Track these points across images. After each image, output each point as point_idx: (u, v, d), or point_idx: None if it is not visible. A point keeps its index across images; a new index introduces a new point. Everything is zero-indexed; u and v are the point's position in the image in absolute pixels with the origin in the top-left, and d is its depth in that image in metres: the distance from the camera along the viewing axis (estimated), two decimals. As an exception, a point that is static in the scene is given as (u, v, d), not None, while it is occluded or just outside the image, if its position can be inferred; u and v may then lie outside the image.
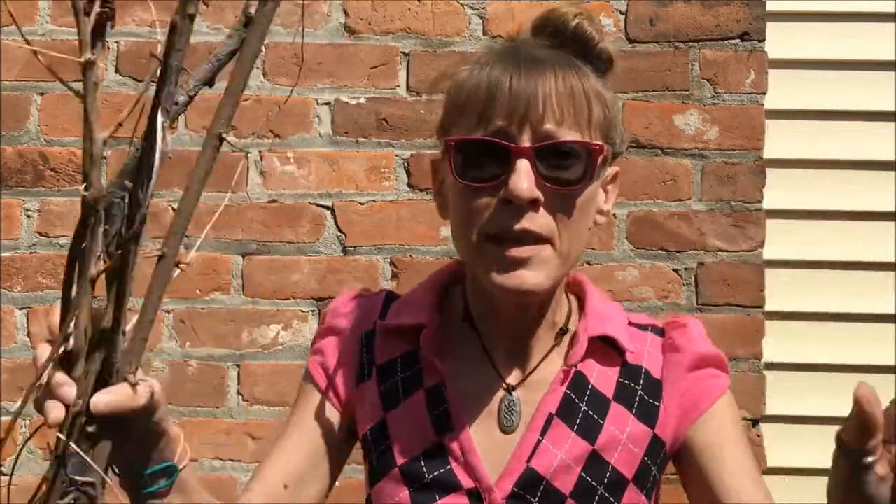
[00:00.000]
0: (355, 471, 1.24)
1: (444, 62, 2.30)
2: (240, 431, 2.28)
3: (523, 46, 1.12)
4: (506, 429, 1.14)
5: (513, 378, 1.16)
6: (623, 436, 1.13)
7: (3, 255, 2.30)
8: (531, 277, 1.06)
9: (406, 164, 2.30)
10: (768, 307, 2.29)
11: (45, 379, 0.78)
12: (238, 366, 2.29)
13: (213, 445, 2.27)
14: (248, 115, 2.32)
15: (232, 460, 2.27)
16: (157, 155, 0.79)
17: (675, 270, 2.28)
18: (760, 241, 2.29)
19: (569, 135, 1.07)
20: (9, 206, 2.31)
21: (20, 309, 2.30)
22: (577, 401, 1.14)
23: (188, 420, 2.27)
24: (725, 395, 1.17)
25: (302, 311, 2.29)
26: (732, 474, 1.12)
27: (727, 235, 2.29)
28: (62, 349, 0.76)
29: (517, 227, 1.05)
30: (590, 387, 1.15)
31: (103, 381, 0.77)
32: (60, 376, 0.78)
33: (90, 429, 0.75)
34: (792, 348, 2.32)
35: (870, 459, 0.91)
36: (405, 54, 2.32)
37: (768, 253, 2.30)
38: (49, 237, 2.30)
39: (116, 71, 2.32)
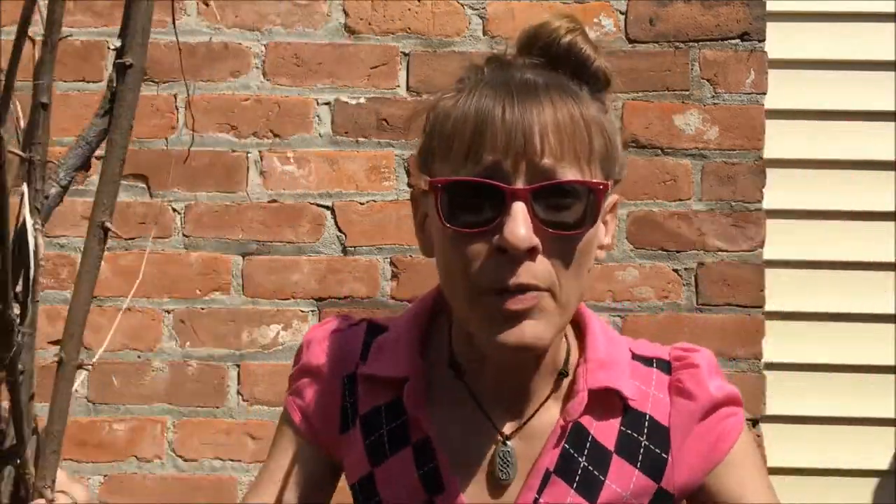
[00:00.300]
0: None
1: (444, 62, 2.30)
2: (240, 431, 2.27)
3: (514, 70, 1.01)
4: (501, 482, 1.06)
5: (507, 427, 1.07)
6: (626, 493, 1.06)
7: (2, 255, 2.30)
8: (531, 329, 0.96)
9: (406, 164, 2.30)
10: (768, 307, 2.29)
11: None
12: (238, 366, 2.29)
13: (213, 445, 2.27)
14: (249, 115, 2.32)
15: (232, 460, 2.27)
16: (32, 258, 0.72)
17: (675, 270, 2.28)
18: (760, 241, 2.29)
19: (569, 172, 0.95)
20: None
21: (20, 309, 2.29)
22: (576, 455, 1.06)
23: (188, 420, 2.27)
24: (743, 435, 1.10)
25: (302, 311, 2.29)
26: None
27: (727, 235, 2.29)
28: None
29: (514, 281, 0.94)
30: (589, 439, 1.07)
31: (20, 501, 0.73)
32: None
33: None
34: (792, 348, 2.32)
35: None
36: (405, 54, 2.32)
37: (768, 253, 2.30)
38: (49, 237, 2.30)
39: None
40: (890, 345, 2.32)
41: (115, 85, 0.69)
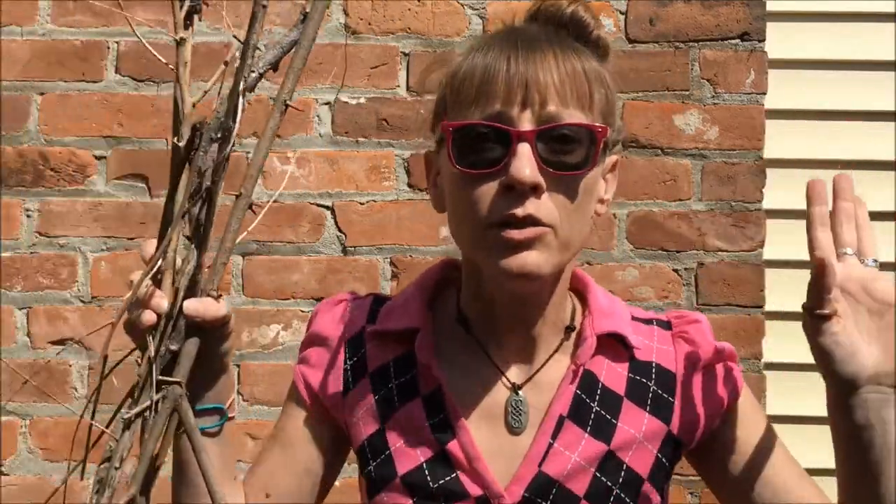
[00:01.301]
0: (356, 470, 1.22)
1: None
2: (240, 431, 2.28)
3: (520, 30, 1.09)
4: (514, 430, 1.10)
5: (517, 377, 1.12)
6: (639, 434, 1.10)
7: (3, 255, 2.30)
8: (532, 258, 1.02)
9: (406, 164, 2.30)
10: (768, 307, 2.29)
11: (143, 291, 0.91)
12: (238, 366, 2.29)
13: (213, 445, 2.27)
14: (249, 115, 2.32)
15: (232, 460, 2.27)
16: (239, 115, 0.93)
17: (675, 270, 2.29)
18: (760, 241, 2.29)
19: (571, 117, 1.03)
20: (9, 206, 2.31)
21: (20, 309, 2.29)
22: (588, 401, 1.11)
23: (188, 420, 2.27)
24: (746, 388, 1.18)
25: (302, 311, 2.29)
26: (776, 471, 1.17)
27: (727, 235, 2.29)
28: (156, 269, 0.90)
29: (520, 213, 1.01)
30: (600, 385, 1.11)
31: (191, 295, 0.90)
32: (154, 290, 0.90)
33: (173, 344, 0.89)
34: (792, 348, 2.31)
35: (824, 312, 0.99)
36: (405, 54, 2.32)
37: (768, 253, 2.30)
38: (49, 237, 2.30)
39: (116, 71, 2.32)
40: (890, 345, 2.32)
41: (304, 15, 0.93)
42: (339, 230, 2.30)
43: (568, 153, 1.03)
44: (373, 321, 1.17)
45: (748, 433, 1.16)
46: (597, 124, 1.04)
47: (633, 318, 1.17)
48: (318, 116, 2.32)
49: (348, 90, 2.32)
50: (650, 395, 1.12)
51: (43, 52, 2.32)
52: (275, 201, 2.30)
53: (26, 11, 2.32)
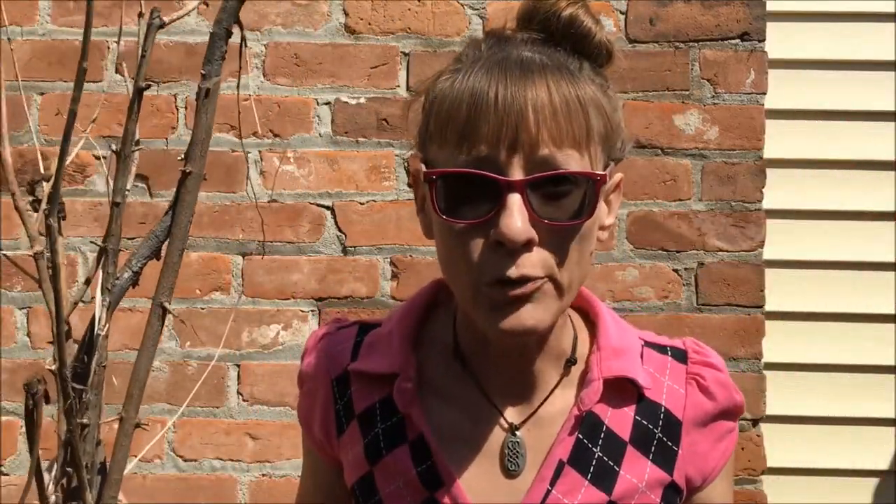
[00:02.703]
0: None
1: (444, 62, 2.30)
2: (240, 431, 2.27)
3: (511, 47, 0.98)
4: (510, 473, 1.03)
5: (515, 416, 1.04)
6: (641, 484, 1.04)
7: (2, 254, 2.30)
8: (530, 313, 0.94)
9: (406, 164, 2.30)
10: (768, 307, 2.29)
11: None
12: (238, 366, 2.29)
13: (213, 445, 2.27)
14: (249, 115, 2.32)
15: (232, 460, 2.27)
16: (100, 336, 0.82)
17: (675, 270, 2.28)
18: (760, 241, 2.29)
19: (566, 158, 0.92)
20: (9, 206, 2.31)
21: (20, 309, 2.30)
22: (590, 446, 1.04)
23: (188, 420, 2.27)
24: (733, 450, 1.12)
25: (302, 311, 2.29)
26: None
27: (727, 235, 2.29)
28: None
29: (514, 274, 0.92)
30: (604, 429, 1.04)
31: None
32: None
33: None
34: (792, 348, 2.32)
35: None
36: (405, 54, 2.32)
37: (768, 253, 2.30)
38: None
39: (116, 71, 2.32)
40: (890, 345, 2.32)
41: (178, 189, 0.86)
42: (339, 230, 2.30)
43: (563, 200, 0.93)
44: (356, 356, 1.11)
45: (720, 494, 1.10)
46: (594, 172, 0.95)
47: (646, 344, 1.09)
48: (318, 116, 2.32)
49: (348, 90, 2.32)
50: (655, 442, 1.05)
51: (43, 52, 2.32)
52: (275, 201, 2.30)
53: (26, 11, 2.32)
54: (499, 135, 0.91)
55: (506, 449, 1.03)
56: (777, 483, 2.27)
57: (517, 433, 1.04)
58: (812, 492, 2.28)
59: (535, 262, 0.93)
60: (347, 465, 1.11)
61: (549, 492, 1.02)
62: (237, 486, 2.26)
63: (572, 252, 0.95)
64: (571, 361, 1.05)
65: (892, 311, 2.32)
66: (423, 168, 0.98)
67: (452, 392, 1.06)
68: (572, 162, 0.93)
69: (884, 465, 2.30)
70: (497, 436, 1.04)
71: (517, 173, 0.91)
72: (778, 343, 2.30)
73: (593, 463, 1.03)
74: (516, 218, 0.90)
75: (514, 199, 0.91)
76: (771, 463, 2.24)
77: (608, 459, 1.04)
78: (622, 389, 1.05)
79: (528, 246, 0.92)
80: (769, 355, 2.30)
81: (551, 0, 0.98)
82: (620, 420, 1.05)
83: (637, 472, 1.04)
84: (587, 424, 1.04)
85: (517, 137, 0.91)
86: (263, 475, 2.25)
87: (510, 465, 1.03)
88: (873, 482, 2.31)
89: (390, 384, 1.06)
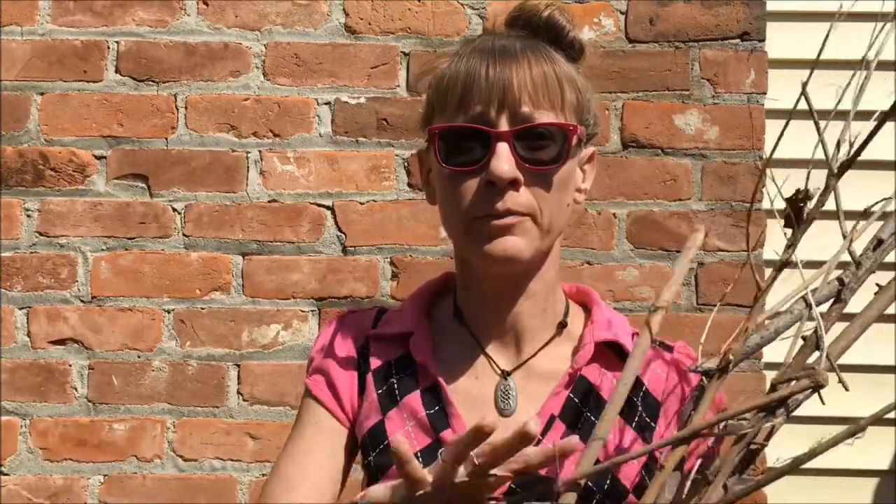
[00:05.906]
0: (356, 469, 1.23)
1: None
2: (240, 431, 2.28)
3: (498, 38, 1.17)
4: (504, 413, 1.15)
5: (506, 364, 1.18)
6: (623, 447, 1.14)
7: (3, 255, 2.30)
8: (513, 243, 1.11)
9: (406, 164, 2.30)
10: (768, 307, 2.29)
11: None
12: (238, 366, 2.29)
13: (213, 445, 2.27)
14: (249, 115, 2.32)
15: (232, 460, 2.27)
16: None
17: (675, 270, 2.28)
18: (760, 241, 2.29)
19: (544, 117, 1.12)
20: (9, 206, 2.31)
21: (20, 309, 2.30)
22: (580, 405, 1.16)
23: (188, 420, 2.27)
24: None
25: (302, 311, 2.29)
26: None
27: (727, 235, 2.29)
28: None
29: (501, 207, 1.10)
30: (594, 392, 1.17)
31: None
32: None
33: None
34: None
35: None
36: (405, 54, 2.32)
37: (768, 253, 2.30)
38: (49, 237, 2.30)
39: (116, 71, 2.32)
40: (890, 345, 2.32)
41: None
42: (339, 230, 2.30)
43: (542, 150, 1.12)
44: (375, 328, 1.25)
45: None
46: (568, 122, 1.14)
47: (636, 335, 1.20)
48: (318, 116, 2.32)
49: (348, 90, 2.32)
50: (637, 415, 1.17)
51: (43, 52, 2.32)
52: (275, 201, 2.31)
53: (26, 11, 2.32)
54: (489, 98, 1.11)
55: (499, 392, 1.17)
56: (777, 483, 2.27)
57: (508, 378, 1.18)
58: (812, 492, 2.28)
59: (519, 201, 1.11)
60: (359, 422, 1.21)
61: (539, 442, 1.10)
62: (237, 486, 2.26)
63: (552, 196, 1.13)
64: (563, 324, 1.20)
65: (893, 312, 2.31)
66: (427, 129, 1.16)
67: (455, 350, 1.20)
68: (550, 119, 1.13)
69: (884, 465, 2.30)
70: (491, 381, 1.18)
71: (504, 126, 1.11)
72: (778, 343, 2.30)
73: (581, 422, 1.15)
74: (503, 161, 1.09)
75: (503, 147, 1.10)
76: (770, 463, 2.24)
77: (596, 420, 1.10)
78: (612, 360, 1.18)
79: (514, 185, 1.10)
80: (769, 355, 2.30)
81: (532, 4, 1.19)
82: (609, 387, 1.17)
83: (622, 437, 1.15)
84: (579, 386, 1.17)
85: (504, 99, 1.11)
86: (263, 475, 2.25)
87: (503, 406, 1.16)
88: (873, 482, 2.31)
89: (405, 345, 1.21)
